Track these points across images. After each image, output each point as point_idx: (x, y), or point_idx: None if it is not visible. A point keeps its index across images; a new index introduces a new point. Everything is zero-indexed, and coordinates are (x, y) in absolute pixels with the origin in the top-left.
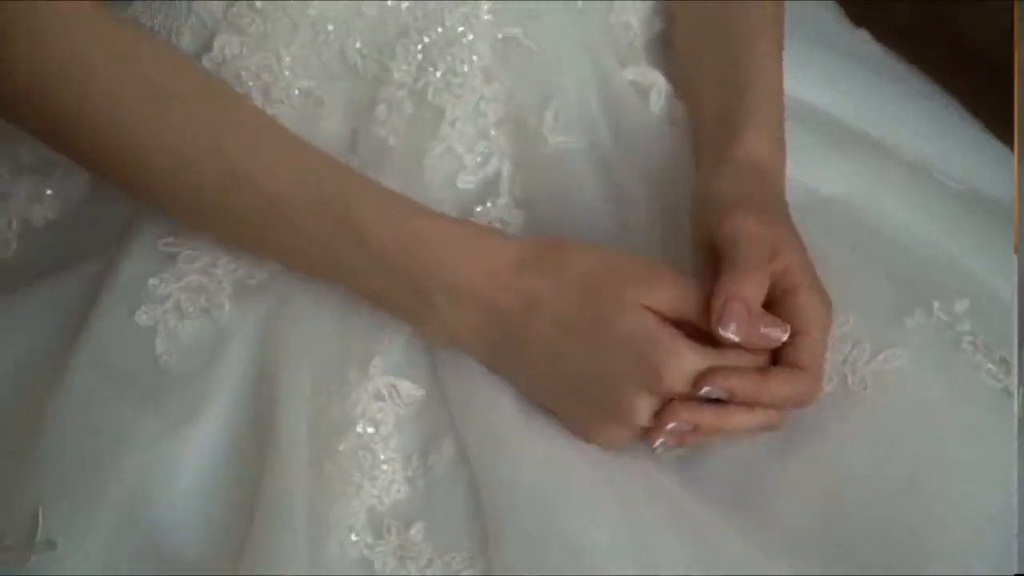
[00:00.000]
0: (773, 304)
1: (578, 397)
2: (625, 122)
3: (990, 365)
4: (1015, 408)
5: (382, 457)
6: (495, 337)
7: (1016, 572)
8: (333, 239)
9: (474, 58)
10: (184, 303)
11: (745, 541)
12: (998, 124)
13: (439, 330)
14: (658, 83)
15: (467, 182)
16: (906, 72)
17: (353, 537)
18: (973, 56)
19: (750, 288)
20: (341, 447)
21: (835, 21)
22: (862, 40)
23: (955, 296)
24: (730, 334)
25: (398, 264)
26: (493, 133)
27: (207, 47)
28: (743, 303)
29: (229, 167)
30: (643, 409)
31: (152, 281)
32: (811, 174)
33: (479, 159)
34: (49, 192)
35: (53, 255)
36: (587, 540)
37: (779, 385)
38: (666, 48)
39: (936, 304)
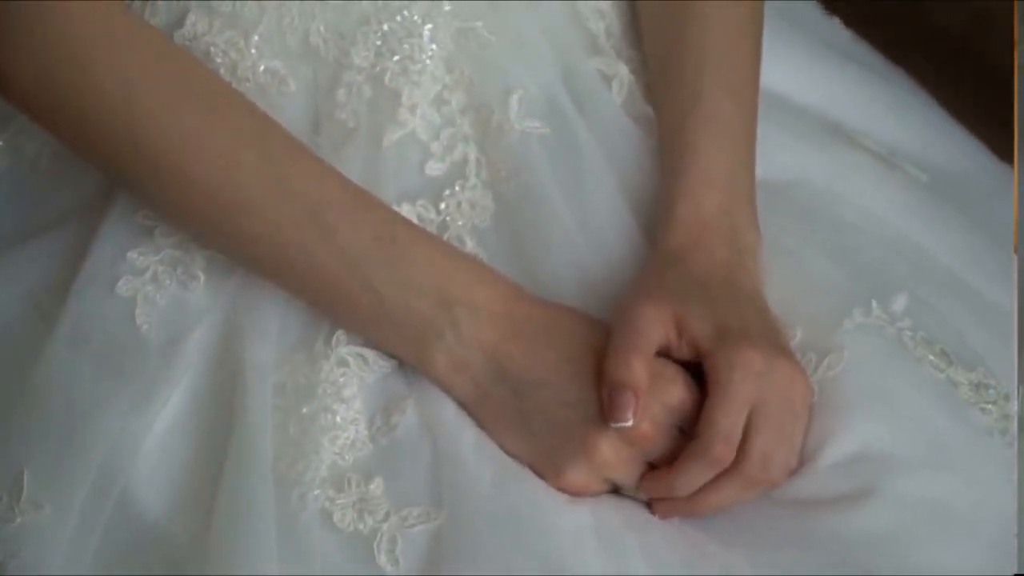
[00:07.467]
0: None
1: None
2: (594, 111)
3: (931, 357)
4: (1014, 408)
5: (344, 418)
6: (494, 366)
7: (1016, 572)
8: (371, 250)
9: (433, 47)
10: (161, 275)
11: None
12: (962, 106)
13: (446, 351)
14: (620, 73)
15: (435, 169)
16: (876, 60)
17: (315, 491)
18: (937, 36)
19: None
20: (304, 410)
21: (806, 7)
22: (834, 27)
23: (895, 292)
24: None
25: (430, 280)
26: (458, 120)
27: (180, 23)
28: (632, 390)
29: (276, 176)
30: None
31: (131, 254)
32: (769, 160)
33: (445, 144)
34: (0, 144)
35: (4, 210)
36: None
37: (687, 470)
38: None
39: (874, 303)
